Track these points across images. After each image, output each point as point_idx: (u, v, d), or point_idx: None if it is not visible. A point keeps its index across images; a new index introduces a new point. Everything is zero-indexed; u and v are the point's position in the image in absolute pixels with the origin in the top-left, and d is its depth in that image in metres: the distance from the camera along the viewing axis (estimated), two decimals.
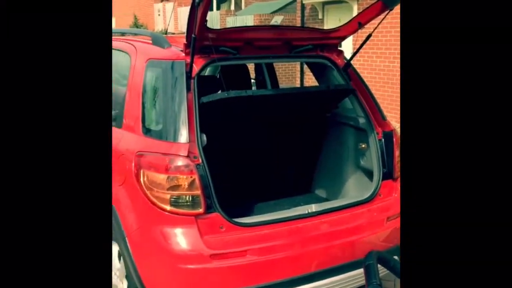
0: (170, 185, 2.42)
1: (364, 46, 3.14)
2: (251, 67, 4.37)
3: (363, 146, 3.11)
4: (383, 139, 3.01)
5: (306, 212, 2.71)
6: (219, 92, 2.79)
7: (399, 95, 6.56)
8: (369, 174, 3.09)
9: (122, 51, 3.24)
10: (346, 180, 3.34)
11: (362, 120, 3.09)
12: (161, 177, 2.44)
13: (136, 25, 20.62)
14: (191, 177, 2.43)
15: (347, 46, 3.55)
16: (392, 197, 2.97)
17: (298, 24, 11.44)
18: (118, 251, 2.79)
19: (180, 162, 2.44)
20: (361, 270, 2.53)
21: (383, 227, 2.85)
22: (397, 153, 3.01)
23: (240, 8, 17.51)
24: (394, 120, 7.94)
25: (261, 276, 2.48)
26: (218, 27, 6.92)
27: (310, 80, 11.00)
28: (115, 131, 2.94)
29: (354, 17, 3.02)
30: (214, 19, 15.00)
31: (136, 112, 2.78)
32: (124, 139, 2.81)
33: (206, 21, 2.46)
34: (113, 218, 2.70)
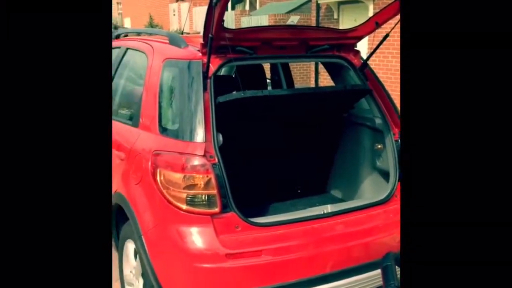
0: (186, 184, 2.43)
1: (380, 46, 3.13)
2: (266, 67, 4.37)
3: (380, 146, 3.09)
4: (399, 140, 2.99)
5: (322, 212, 2.70)
6: (235, 92, 2.79)
7: None
8: (385, 175, 3.07)
9: (139, 51, 3.27)
10: (362, 180, 3.33)
11: (378, 121, 3.07)
12: (178, 176, 2.45)
13: (151, 25, 20.76)
14: (207, 176, 2.44)
15: (361, 46, 3.52)
16: None
17: (313, 24, 11.40)
18: (134, 249, 2.81)
19: (196, 161, 2.45)
20: (377, 271, 2.52)
21: (399, 228, 2.83)
22: None
23: (255, 8, 17.51)
24: None
25: (276, 276, 2.48)
26: (233, 27, 6.92)
27: (325, 80, 10.97)
28: (132, 130, 2.97)
29: (371, 17, 3.00)
30: (229, 19, 15.03)
31: (152, 111, 2.80)
32: (140, 138, 2.82)
33: (223, 21, 2.47)
34: (129, 216, 2.72)
